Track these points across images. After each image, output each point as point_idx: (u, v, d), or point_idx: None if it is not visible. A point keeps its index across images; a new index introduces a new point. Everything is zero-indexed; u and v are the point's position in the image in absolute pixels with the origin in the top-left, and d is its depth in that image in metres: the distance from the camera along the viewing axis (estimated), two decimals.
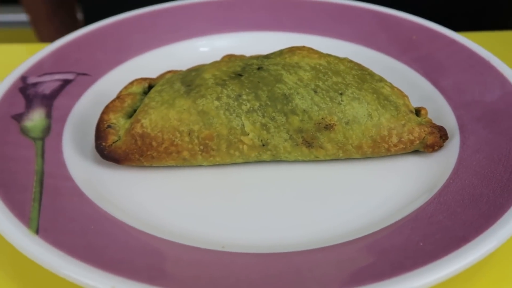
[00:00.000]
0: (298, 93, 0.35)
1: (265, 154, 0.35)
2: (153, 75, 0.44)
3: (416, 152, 0.36)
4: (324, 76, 0.36)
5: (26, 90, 0.40)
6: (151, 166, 0.36)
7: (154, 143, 0.34)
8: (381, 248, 0.29)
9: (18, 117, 0.37)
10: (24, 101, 0.39)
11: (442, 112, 0.39)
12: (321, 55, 0.38)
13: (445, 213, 0.30)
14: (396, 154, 0.36)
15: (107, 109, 0.37)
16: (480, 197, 0.31)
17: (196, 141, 0.34)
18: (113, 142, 0.35)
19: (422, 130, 0.35)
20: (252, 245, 0.30)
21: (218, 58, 0.45)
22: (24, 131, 0.36)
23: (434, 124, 0.36)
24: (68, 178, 0.34)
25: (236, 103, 0.34)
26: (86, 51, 0.44)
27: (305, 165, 0.36)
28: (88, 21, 0.65)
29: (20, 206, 0.30)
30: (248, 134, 0.34)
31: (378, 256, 0.28)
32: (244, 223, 0.32)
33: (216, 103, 0.34)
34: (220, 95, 0.35)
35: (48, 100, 0.39)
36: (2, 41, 0.53)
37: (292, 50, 0.38)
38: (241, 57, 0.40)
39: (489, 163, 0.33)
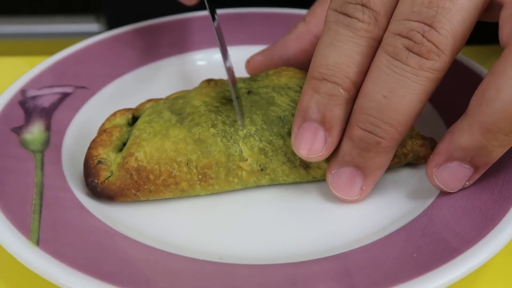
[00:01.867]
0: (292, 115, 0.35)
1: (264, 178, 0.34)
2: (151, 88, 0.44)
3: (408, 165, 0.37)
4: None
5: (26, 103, 0.40)
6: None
7: (151, 176, 0.33)
8: (375, 259, 0.29)
9: (18, 130, 0.38)
10: (24, 114, 0.39)
11: (434, 125, 0.39)
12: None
13: (438, 225, 0.31)
14: (390, 168, 0.36)
15: (94, 144, 0.35)
16: (472, 209, 0.31)
17: (194, 170, 0.33)
18: (106, 178, 0.34)
19: (414, 143, 0.36)
20: (249, 257, 0.31)
21: (215, 72, 0.45)
22: (23, 144, 0.37)
23: (424, 136, 0.36)
24: (67, 190, 0.34)
25: (232, 129, 0.34)
26: (84, 64, 0.45)
27: None
28: None
29: (21, 218, 0.31)
30: (247, 160, 0.34)
31: (372, 267, 0.28)
32: (241, 236, 0.32)
33: (212, 130, 0.34)
34: (215, 122, 0.34)
35: (47, 113, 0.40)
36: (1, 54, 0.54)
37: (278, 71, 0.38)
38: (222, 81, 0.39)
39: (481, 176, 0.33)
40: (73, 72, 0.44)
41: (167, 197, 0.34)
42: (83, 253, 0.29)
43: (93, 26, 0.84)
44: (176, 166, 0.33)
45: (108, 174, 0.34)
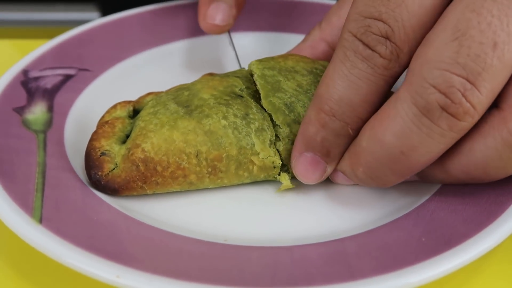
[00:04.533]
0: (299, 100, 0.34)
1: (274, 174, 0.34)
2: (155, 72, 0.44)
3: None
4: None
5: (28, 84, 0.40)
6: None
7: (159, 168, 0.32)
8: (383, 243, 0.29)
9: (20, 110, 0.37)
10: (26, 95, 0.39)
11: None
12: (313, 60, 0.37)
13: (446, 210, 0.31)
14: None
15: (97, 136, 0.34)
16: (480, 194, 0.31)
17: (204, 163, 0.32)
18: (110, 171, 0.33)
19: None
20: (254, 239, 0.30)
21: (219, 59, 0.45)
22: (25, 124, 0.36)
23: None
24: (70, 170, 0.34)
25: (244, 122, 0.33)
26: (87, 47, 0.44)
27: None
28: None
29: (23, 196, 0.30)
30: (259, 154, 0.33)
31: (381, 251, 0.28)
32: (246, 218, 0.32)
33: (224, 122, 0.33)
34: (226, 114, 0.33)
35: (49, 94, 0.39)
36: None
37: (284, 56, 0.38)
38: (225, 76, 0.37)
39: None
40: (76, 54, 0.43)
41: (174, 190, 0.33)
42: (86, 232, 0.29)
43: (93, 15, 0.84)
44: (185, 157, 0.32)
45: (112, 166, 0.33)
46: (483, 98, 0.26)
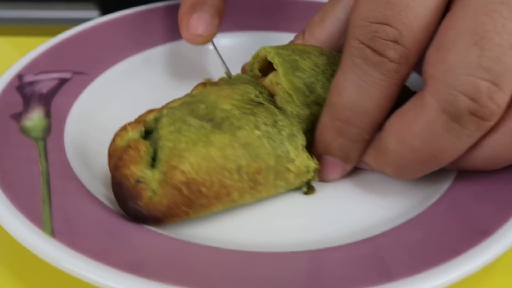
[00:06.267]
0: (318, 81, 0.33)
1: (308, 176, 0.33)
2: (151, 74, 0.43)
3: None
4: (335, 61, 0.34)
5: (23, 89, 0.39)
6: None
7: (203, 189, 0.30)
8: (403, 243, 0.29)
9: (17, 117, 0.36)
10: (22, 100, 0.38)
11: None
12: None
13: (460, 208, 0.31)
14: None
15: (123, 163, 0.30)
16: (494, 191, 0.31)
17: (245, 177, 0.31)
18: (149, 199, 0.30)
19: None
20: (267, 245, 0.30)
21: (216, 57, 0.44)
22: (24, 131, 0.35)
23: None
24: (73, 178, 0.33)
25: (275, 130, 0.32)
26: (82, 49, 0.43)
27: None
28: None
29: (31, 209, 0.29)
30: (294, 160, 0.32)
31: (402, 251, 0.28)
32: (258, 224, 0.32)
33: (257, 132, 0.31)
34: (256, 124, 0.31)
35: (46, 99, 0.38)
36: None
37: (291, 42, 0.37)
38: (223, 82, 0.37)
39: None
40: (71, 57, 0.42)
41: (217, 211, 0.31)
42: (100, 243, 0.28)
43: (92, 13, 0.82)
44: (227, 174, 0.30)
45: (150, 193, 0.30)
46: (506, 96, 0.27)
